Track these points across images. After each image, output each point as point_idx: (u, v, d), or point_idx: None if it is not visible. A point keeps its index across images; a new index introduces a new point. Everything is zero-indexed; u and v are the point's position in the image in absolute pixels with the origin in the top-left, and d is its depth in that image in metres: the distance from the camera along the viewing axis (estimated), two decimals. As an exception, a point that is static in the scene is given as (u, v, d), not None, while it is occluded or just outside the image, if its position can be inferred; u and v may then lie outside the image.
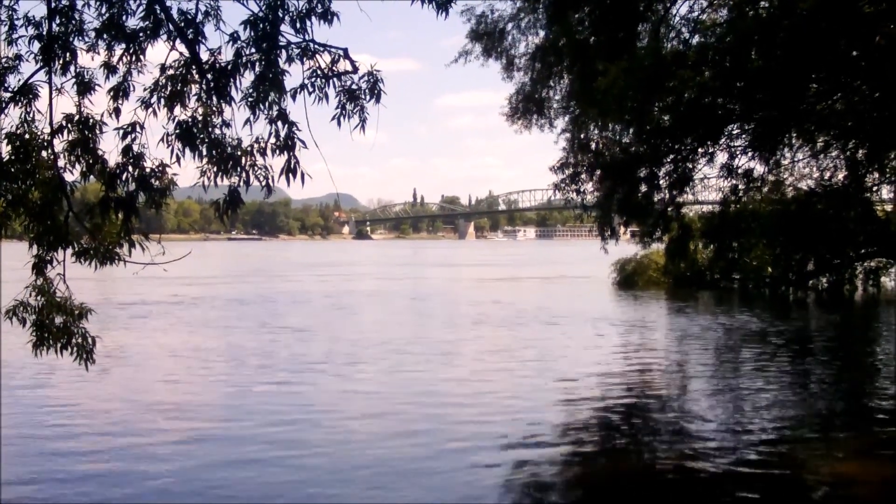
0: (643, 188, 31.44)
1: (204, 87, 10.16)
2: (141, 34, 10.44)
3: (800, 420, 18.75)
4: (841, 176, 34.74)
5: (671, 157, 31.06)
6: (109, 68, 10.69)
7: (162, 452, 15.69)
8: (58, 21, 10.75)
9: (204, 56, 10.17)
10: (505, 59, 33.92)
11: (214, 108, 10.11)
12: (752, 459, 15.13)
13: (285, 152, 9.65)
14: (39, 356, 11.43)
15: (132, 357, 27.05)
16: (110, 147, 10.46)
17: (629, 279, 61.18)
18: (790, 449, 16.09)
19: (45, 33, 10.74)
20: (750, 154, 31.35)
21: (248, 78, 9.90)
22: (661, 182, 31.45)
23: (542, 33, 32.71)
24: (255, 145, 9.81)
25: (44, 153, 10.99)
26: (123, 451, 15.83)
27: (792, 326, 37.66)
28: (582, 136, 33.42)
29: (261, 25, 9.76)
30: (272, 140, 9.74)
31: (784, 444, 16.43)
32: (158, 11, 10.24)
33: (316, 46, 9.89)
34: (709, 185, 34.02)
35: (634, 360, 27.10)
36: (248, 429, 17.54)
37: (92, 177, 10.88)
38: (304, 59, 9.89)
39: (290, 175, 9.56)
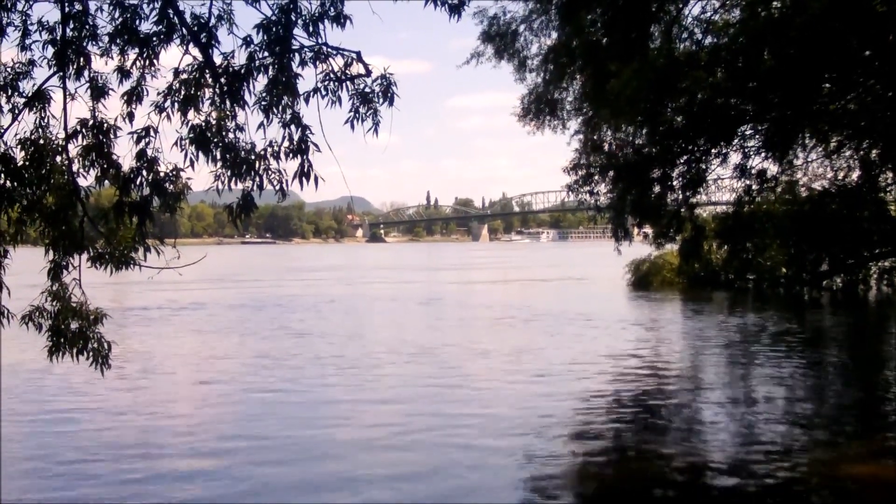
0: (656, 189, 31.49)
1: (217, 91, 10.17)
2: (154, 38, 10.46)
3: (812, 421, 18.66)
4: (854, 176, 34.80)
5: (684, 157, 31.11)
6: (123, 73, 10.70)
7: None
8: (71, 26, 10.78)
9: (217, 60, 10.20)
10: (517, 60, 33.96)
11: (228, 112, 10.12)
12: (762, 461, 15.08)
13: (299, 156, 9.67)
14: (55, 362, 11.46)
15: (169, 363, 27.08)
16: (124, 151, 10.50)
17: (643, 280, 60.97)
18: (802, 451, 16.01)
19: (58, 38, 10.77)
20: (763, 154, 31.41)
21: (261, 82, 9.94)
22: (674, 183, 31.50)
23: (554, 34, 32.76)
24: (269, 149, 9.81)
25: (58, 158, 11.02)
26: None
27: (806, 327, 37.49)
28: (595, 137, 33.46)
29: (274, 29, 9.79)
30: (286, 144, 9.76)
31: (796, 445, 16.37)
32: (172, 16, 10.27)
33: (329, 50, 9.92)
34: (722, 186, 34.06)
35: (648, 361, 27.01)
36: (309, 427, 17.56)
37: (106, 181, 10.91)
38: (317, 62, 9.91)
39: (304, 178, 9.57)
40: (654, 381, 23.73)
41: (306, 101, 9.80)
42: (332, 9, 10.00)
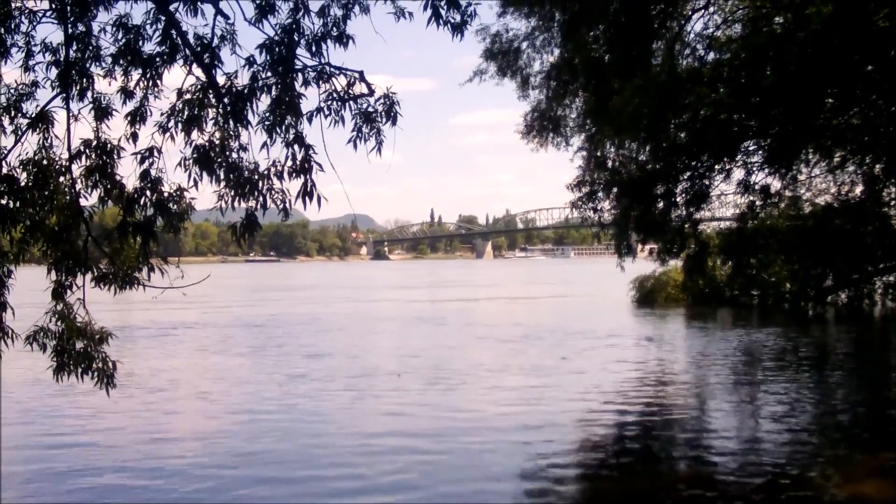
0: (660, 205, 31.46)
1: (221, 111, 10.21)
2: (157, 59, 10.51)
3: (818, 438, 18.61)
4: (858, 191, 34.75)
5: (687, 173, 31.10)
6: (126, 93, 10.74)
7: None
8: (75, 47, 10.82)
9: (220, 80, 10.24)
10: (520, 77, 33.98)
11: (231, 132, 10.15)
12: (769, 478, 15.04)
13: (302, 175, 9.67)
14: (60, 381, 11.46)
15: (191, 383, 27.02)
16: (128, 172, 10.54)
17: (648, 296, 60.79)
18: (807, 468, 15.97)
19: (62, 59, 10.81)
20: (766, 170, 31.37)
21: (264, 102, 9.97)
22: (677, 199, 31.47)
23: (556, 51, 32.80)
24: (272, 169, 9.84)
25: (62, 179, 11.04)
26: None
27: (811, 342, 37.39)
28: (598, 153, 33.46)
29: (276, 49, 9.81)
30: (289, 163, 9.77)
31: (801, 462, 16.33)
32: (175, 36, 10.31)
33: (332, 69, 9.94)
34: (726, 202, 34.04)
35: (653, 377, 26.99)
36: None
37: (110, 202, 10.93)
38: (320, 82, 9.93)
39: (307, 198, 9.58)
40: (660, 398, 23.71)
41: (309, 120, 9.83)
42: (334, 29, 10.04)
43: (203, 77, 10.32)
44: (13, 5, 10.88)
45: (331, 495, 14.28)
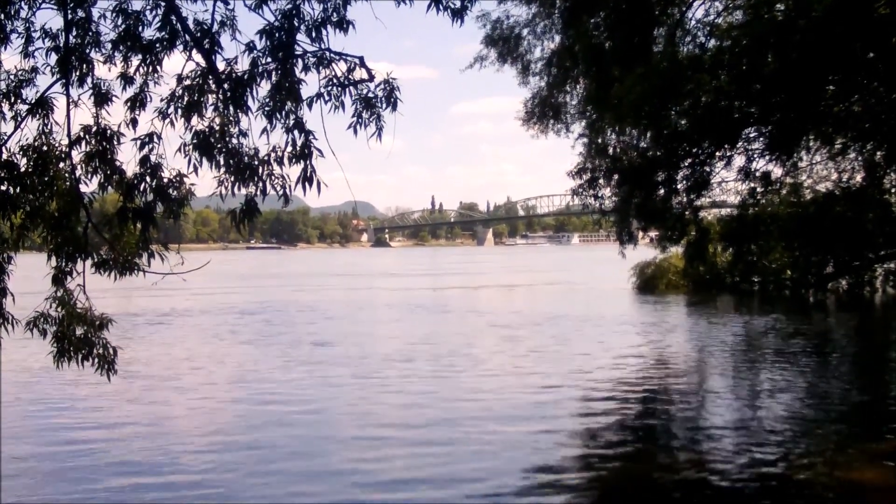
0: (661, 192, 31.39)
1: (220, 96, 10.18)
2: (157, 45, 10.47)
3: (816, 425, 18.63)
4: (859, 178, 34.62)
5: (688, 160, 31.00)
6: (126, 79, 10.71)
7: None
8: (74, 33, 10.79)
9: (220, 66, 10.21)
10: (520, 64, 33.89)
11: (231, 118, 10.12)
12: (767, 465, 15.07)
13: (302, 161, 9.65)
14: (60, 368, 11.47)
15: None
16: (128, 158, 10.52)
17: (649, 283, 60.88)
18: (805, 455, 15.99)
19: (61, 45, 10.79)
20: (767, 157, 31.26)
21: (264, 87, 9.94)
22: (678, 186, 31.39)
23: (557, 38, 32.71)
24: (272, 154, 9.81)
25: (61, 165, 11.03)
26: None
27: (811, 329, 37.45)
28: (599, 140, 33.37)
29: (276, 35, 9.78)
30: (289, 149, 9.74)
31: (800, 449, 16.36)
32: (174, 22, 10.28)
33: (332, 55, 9.90)
34: (727, 189, 33.92)
35: (653, 364, 27.04)
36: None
37: (110, 187, 10.92)
38: (320, 67, 9.89)
39: (307, 184, 9.55)
40: (661, 384, 23.77)
41: (309, 106, 9.78)
42: (334, 14, 10.00)
43: (203, 63, 10.29)
44: (12, -9, 10.87)
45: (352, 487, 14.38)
